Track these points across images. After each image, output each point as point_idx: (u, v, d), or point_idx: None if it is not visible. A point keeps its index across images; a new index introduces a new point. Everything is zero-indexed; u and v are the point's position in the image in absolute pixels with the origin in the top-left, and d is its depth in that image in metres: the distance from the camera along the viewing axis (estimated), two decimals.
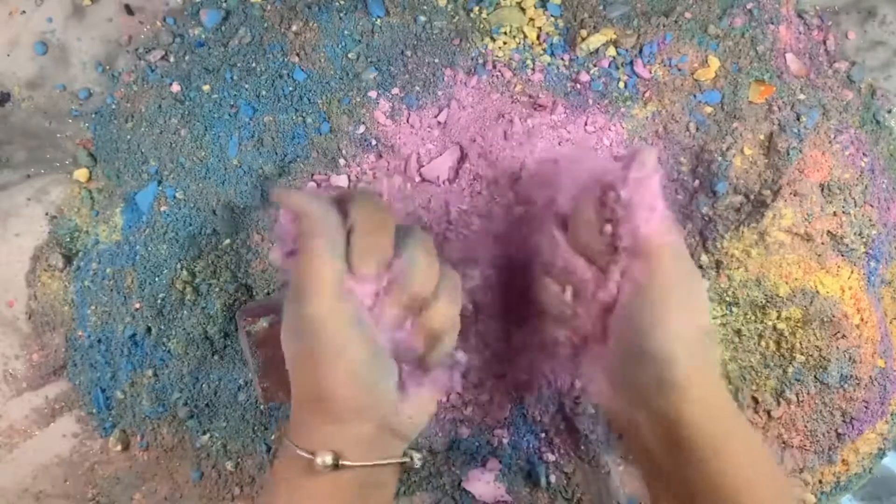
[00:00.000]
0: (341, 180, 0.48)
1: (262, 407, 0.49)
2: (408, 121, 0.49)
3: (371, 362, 0.33)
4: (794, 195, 0.48)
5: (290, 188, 0.35)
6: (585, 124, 0.50)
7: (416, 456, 0.37)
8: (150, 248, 0.50)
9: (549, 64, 0.50)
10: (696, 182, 0.50)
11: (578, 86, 0.50)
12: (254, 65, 0.50)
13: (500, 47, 0.50)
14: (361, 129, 0.50)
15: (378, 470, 0.35)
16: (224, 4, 0.52)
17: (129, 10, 0.53)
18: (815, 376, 0.49)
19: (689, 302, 0.35)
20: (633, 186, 0.37)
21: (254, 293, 0.50)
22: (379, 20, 0.51)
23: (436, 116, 0.49)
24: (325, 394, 0.33)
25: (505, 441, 0.49)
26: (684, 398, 0.34)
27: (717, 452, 0.34)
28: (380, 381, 0.34)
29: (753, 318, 0.49)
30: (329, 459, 0.33)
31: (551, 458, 0.49)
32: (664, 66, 0.50)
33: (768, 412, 0.50)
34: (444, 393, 0.39)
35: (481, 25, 0.51)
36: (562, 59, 0.50)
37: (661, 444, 0.35)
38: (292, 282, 0.34)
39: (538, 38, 0.51)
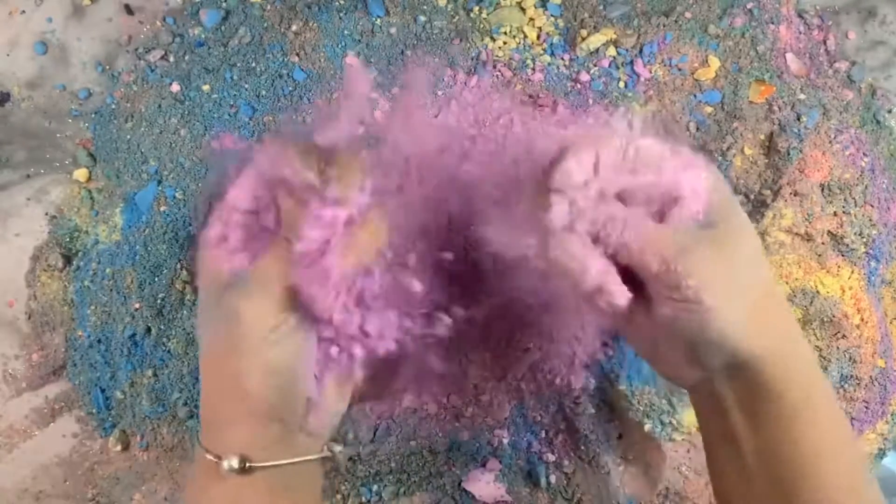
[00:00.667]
0: None
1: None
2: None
3: (297, 372, 0.33)
4: (795, 195, 0.48)
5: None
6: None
7: (338, 449, 0.35)
8: (150, 248, 0.50)
9: (549, 64, 0.50)
10: None
11: (578, 85, 0.50)
12: (254, 65, 0.50)
13: (500, 47, 0.50)
14: (361, 128, 0.50)
15: (293, 470, 0.33)
16: (224, 4, 0.52)
17: (129, 10, 0.53)
18: None
19: (731, 282, 0.31)
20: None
21: None
22: (379, 20, 0.51)
23: (435, 116, 0.49)
24: (238, 392, 0.32)
25: (505, 441, 0.49)
26: (764, 376, 0.31)
27: (800, 425, 0.31)
28: (297, 381, 0.33)
29: None
30: (235, 463, 0.31)
31: (551, 458, 0.49)
32: (664, 65, 0.50)
33: None
34: (353, 382, 0.36)
35: (481, 25, 0.51)
36: (562, 58, 0.50)
37: (738, 409, 0.33)
38: (253, 273, 0.32)
39: (538, 37, 0.51)
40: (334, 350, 0.35)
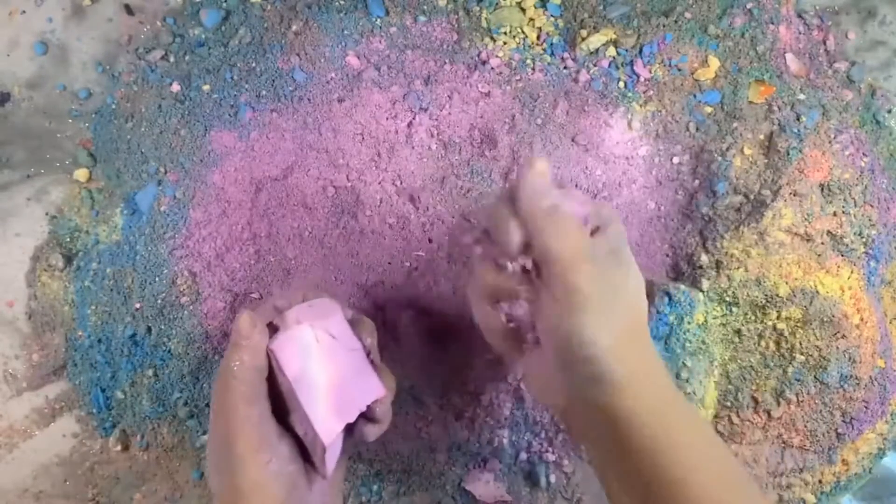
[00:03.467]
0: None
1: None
2: (408, 120, 0.49)
3: (288, 498, 0.36)
4: (794, 195, 0.48)
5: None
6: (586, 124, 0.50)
7: None
8: (150, 248, 0.50)
9: (549, 64, 0.50)
10: (696, 182, 0.50)
11: (578, 86, 0.50)
12: (254, 65, 0.51)
13: (500, 47, 0.50)
14: (360, 128, 0.50)
15: None
16: (224, 4, 0.52)
17: (129, 10, 0.53)
18: (815, 376, 0.49)
19: (611, 305, 0.34)
20: (522, 196, 0.35)
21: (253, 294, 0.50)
22: (379, 20, 0.51)
23: (436, 116, 0.49)
24: None
25: (505, 441, 0.49)
26: (621, 398, 0.34)
27: (659, 446, 0.34)
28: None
29: (753, 318, 0.49)
30: None
31: (551, 458, 0.49)
32: (664, 66, 0.50)
33: (768, 412, 0.50)
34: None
35: (481, 25, 0.51)
36: (562, 58, 0.50)
37: (607, 437, 0.35)
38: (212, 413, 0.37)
39: (538, 37, 0.51)
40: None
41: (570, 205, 0.36)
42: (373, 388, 0.38)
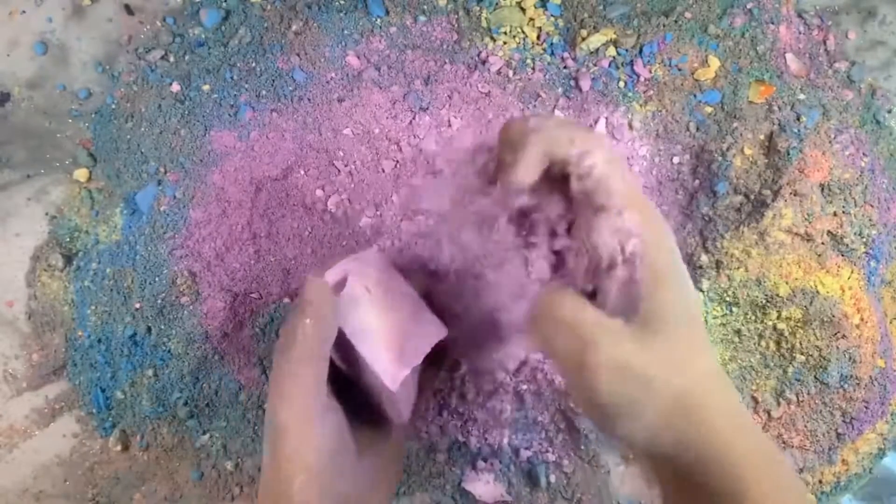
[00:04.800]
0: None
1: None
2: (408, 120, 0.49)
3: (330, 468, 0.34)
4: (794, 195, 0.48)
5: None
6: (586, 124, 0.50)
7: None
8: (150, 248, 0.50)
9: (549, 63, 0.50)
10: (696, 182, 0.50)
11: (578, 85, 0.50)
12: (254, 65, 0.51)
13: (500, 47, 0.50)
14: (360, 128, 0.50)
15: None
16: (224, 4, 0.52)
17: (129, 10, 0.53)
18: (815, 376, 0.49)
19: (647, 388, 0.29)
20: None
21: (253, 294, 0.50)
22: (379, 20, 0.51)
23: (436, 116, 0.49)
24: (280, 491, 0.34)
25: (505, 441, 0.49)
26: (678, 463, 0.31)
27: (741, 497, 0.30)
28: (338, 486, 0.35)
29: (753, 318, 0.49)
30: None
31: (551, 458, 0.49)
32: (664, 65, 0.50)
33: (768, 412, 0.50)
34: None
35: (481, 25, 0.51)
36: (562, 58, 0.50)
37: (673, 484, 0.32)
38: (271, 375, 0.35)
39: (538, 37, 0.51)
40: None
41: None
42: (433, 331, 0.37)
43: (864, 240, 0.49)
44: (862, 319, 0.49)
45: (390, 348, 0.36)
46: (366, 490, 0.37)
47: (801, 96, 0.50)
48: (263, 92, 0.50)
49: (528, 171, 0.30)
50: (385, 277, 0.37)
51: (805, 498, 0.32)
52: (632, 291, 0.29)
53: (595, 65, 0.50)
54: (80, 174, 0.52)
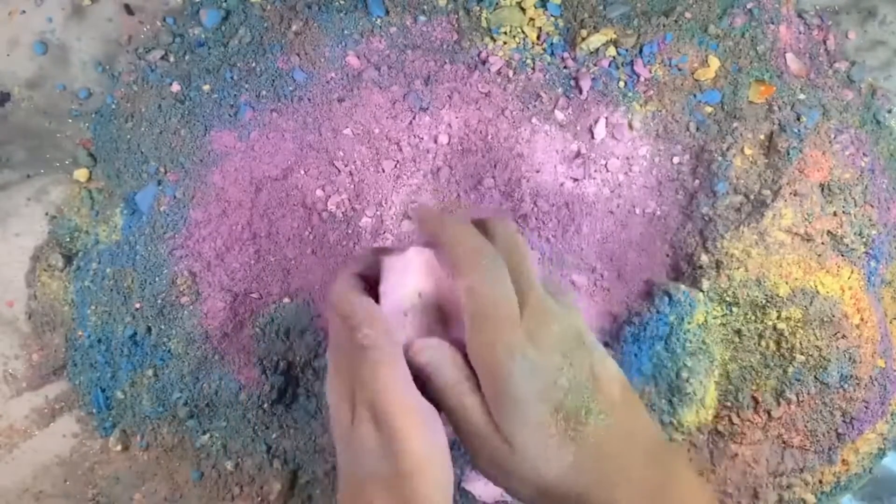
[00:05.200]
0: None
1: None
2: (408, 120, 0.49)
3: (448, 482, 0.32)
4: (794, 195, 0.48)
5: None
6: (586, 124, 0.50)
7: None
8: (150, 248, 0.50)
9: (549, 63, 0.50)
10: (696, 182, 0.50)
11: (578, 85, 0.50)
12: (254, 65, 0.51)
13: (500, 47, 0.50)
14: (360, 128, 0.50)
15: None
16: (224, 4, 0.52)
17: (129, 10, 0.53)
18: (815, 376, 0.49)
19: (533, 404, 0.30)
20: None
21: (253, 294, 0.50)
22: (379, 20, 0.51)
23: (436, 116, 0.49)
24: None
25: None
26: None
27: None
28: (448, 490, 0.33)
29: (753, 318, 0.49)
30: None
31: None
32: (664, 65, 0.50)
33: (768, 412, 0.50)
34: None
35: (481, 25, 0.51)
36: (562, 58, 0.50)
37: None
38: (365, 394, 0.32)
39: (538, 37, 0.51)
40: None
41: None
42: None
43: (864, 240, 0.49)
44: (862, 319, 0.49)
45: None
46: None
47: (801, 96, 0.50)
48: (263, 92, 0.50)
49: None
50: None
51: None
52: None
53: (595, 65, 0.50)
54: (80, 174, 0.52)
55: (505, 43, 0.50)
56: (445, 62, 0.50)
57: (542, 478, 0.31)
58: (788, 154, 0.49)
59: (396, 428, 0.30)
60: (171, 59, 0.52)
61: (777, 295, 0.48)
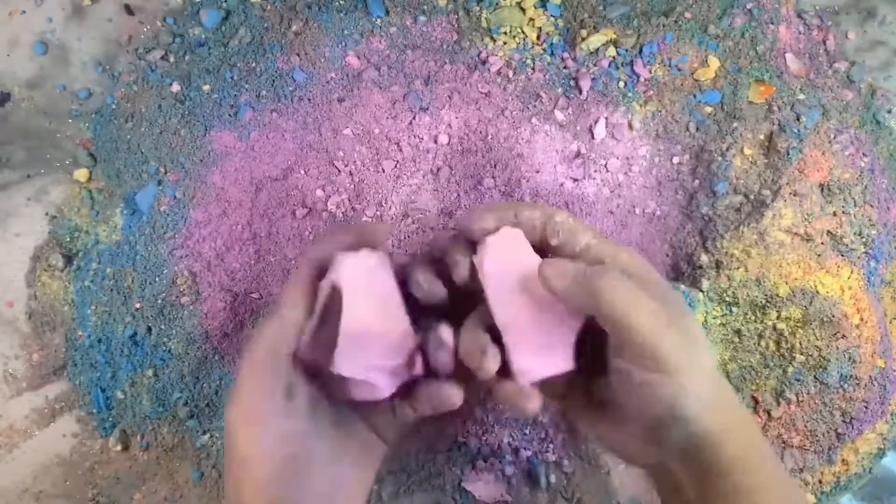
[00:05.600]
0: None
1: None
2: (408, 120, 0.49)
3: (276, 481, 0.34)
4: (794, 195, 0.48)
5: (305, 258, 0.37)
6: (586, 124, 0.50)
7: None
8: (150, 248, 0.50)
9: (549, 64, 0.50)
10: (696, 182, 0.50)
11: (578, 85, 0.50)
12: (254, 65, 0.51)
13: (500, 47, 0.50)
14: (360, 128, 0.50)
15: None
16: (224, 4, 0.52)
17: (129, 10, 0.53)
18: (815, 376, 0.49)
19: (695, 357, 0.32)
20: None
21: (253, 294, 0.50)
22: (379, 20, 0.51)
23: (436, 116, 0.49)
24: (236, 500, 0.34)
25: (505, 441, 0.49)
26: (716, 450, 0.32)
27: (749, 487, 0.32)
28: (283, 500, 0.34)
29: (753, 318, 0.49)
30: None
31: (551, 458, 0.49)
32: (664, 66, 0.50)
33: (768, 412, 0.50)
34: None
35: (481, 25, 0.51)
36: (562, 58, 0.50)
37: (692, 479, 0.33)
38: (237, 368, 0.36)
39: (538, 37, 0.51)
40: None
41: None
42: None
43: (864, 240, 0.49)
44: (862, 319, 0.49)
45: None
46: (331, 496, 0.36)
47: (801, 96, 0.50)
48: (263, 92, 0.50)
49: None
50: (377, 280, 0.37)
51: None
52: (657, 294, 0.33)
53: (595, 65, 0.50)
54: (80, 174, 0.52)
55: (505, 43, 0.50)
56: (445, 62, 0.50)
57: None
58: (788, 154, 0.49)
59: (228, 421, 0.34)
60: (171, 59, 0.52)
61: (777, 295, 0.48)
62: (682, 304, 0.35)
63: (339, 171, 0.49)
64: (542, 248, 0.37)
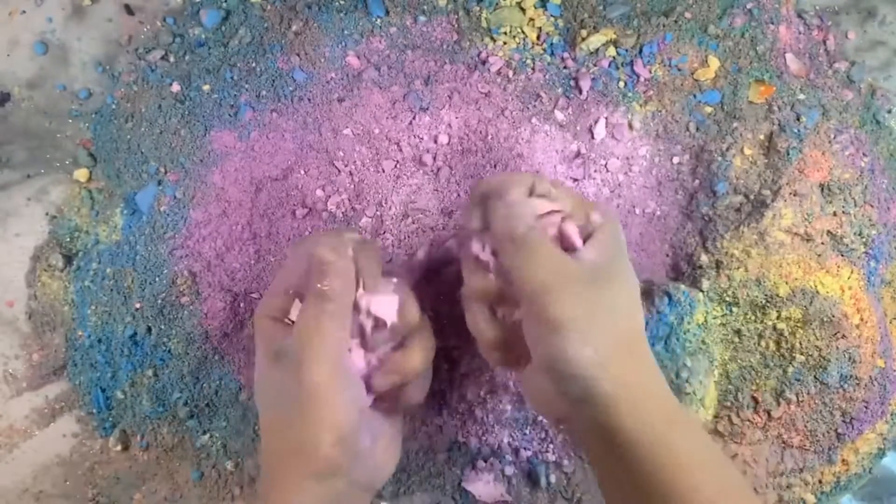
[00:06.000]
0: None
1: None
2: (408, 120, 0.49)
3: (357, 425, 0.35)
4: (794, 195, 0.48)
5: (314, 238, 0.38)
6: (586, 124, 0.50)
7: None
8: (150, 248, 0.50)
9: (549, 64, 0.50)
10: (696, 182, 0.50)
11: (578, 85, 0.50)
12: (254, 65, 0.51)
13: (500, 47, 0.50)
14: (360, 128, 0.50)
15: None
16: (224, 4, 0.52)
17: (129, 10, 0.53)
18: (815, 376, 0.49)
19: (597, 323, 0.33)
20: (494, 223, 0.36)
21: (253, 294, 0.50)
22: (379, 20, 0.51)
23: (436, 116, 0.49)
24: (307, 450, 0.34)
25: (505, 441, 0.49)
26: (616, 414, 0.33)
27: (660, 462, 0.32)
28: (361, 441, 0.35)
29: (753, 318, 0.49)
30: None
31: (551, 458, 0.49)
32: (664, 66, 0.50)
33: (768, 412, 0.50)
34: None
35: (481, 25, 0.51)
36: (562, 58, 0.50)
37: (605, 452, 0.34)
38: (295, 336, 0.35)
39: (538, 37, 0.51)
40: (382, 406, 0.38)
41: (549, 221, 0.35)
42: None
43: (864, 240, 0.49)
44: (862, 319, 0.49)
45: None
46: (380, 450, 0.38)
47: (801, 96, 0.50)
48: (263, 92, 0.50)
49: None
50: None
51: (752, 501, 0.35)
52: (594, 253, 0.36)
53: (595, 65, 0.50)
54: (80, 174, 0.52)
55: (505, 43, 0.50)
56: (445, 62, 0.50)
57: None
58: (788, 154, 0.49)
59: (303, 364, 0.34)
60: (171, 59, 0.52)
61: (777, 295, 0.48)
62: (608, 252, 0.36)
63: (339, 171, 0.49)
64: None
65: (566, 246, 0.36)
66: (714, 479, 0.33)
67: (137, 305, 0.50)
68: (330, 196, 0.49)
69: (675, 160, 0.50)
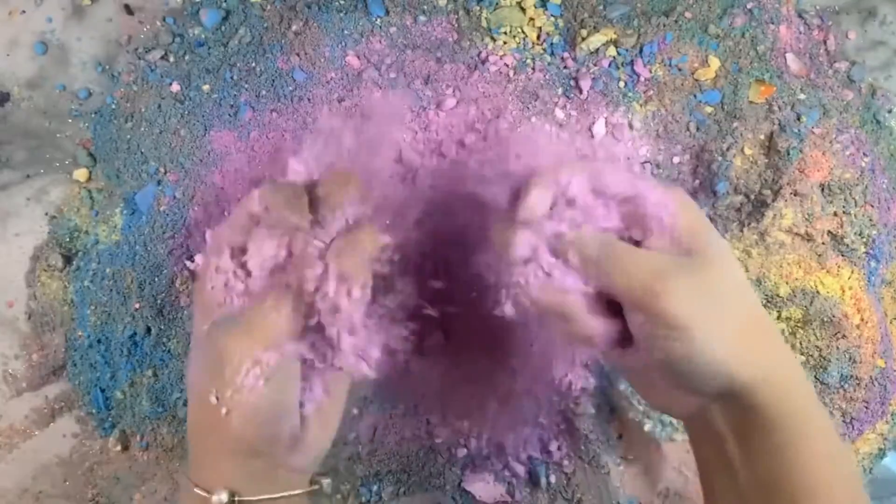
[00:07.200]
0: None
1: None
2: (408, 120, 0.49)
3: (275, 402, 0.33)
4: (795, 195, 0.48)
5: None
6: (586, 124, 0.50)
7: (325, 482, 0.37)
8: (150, 248, 0.50)
9: (549, 63, 0.50)
10: (696, 182, 0.50)
11: (578, 85, 0.50)
12: (254, 65, 0.50)
13: (500, 47, 0.50)
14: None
15: (282, 503, 0.34)
16: (224, 4, 0.52)
17: (128, 10, 0.53)
18: (815, 376, 0.49)
19: (717, 312, 0.31)
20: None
21: None
22: (379, 20, 0.51)
23: (436, 116, 0.49)
24: (220, 427, 0.32)
25: (505, 441, 0.49)
26: (757, 401, 0.31)
27: (793, 453, 0.31)
28: (280, 421, 0.33)
29: None
30: (224, 497, 0.32)
31: (551, 458, 0.49)
32: (664, 65, 0.50)
33: None
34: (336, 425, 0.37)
35: (481, 25, 0.51)
36: (562, 58, 0.50)
37: (733, 439, 0.33)
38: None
39: (538, 37, 0.51)
40: (318, 387, 0.35)
41: (612, 226, 0.32)
42: None
43: (865, 240, 0.49)
44: (862, 319, 0.49)
45: None
46: (311, 429, 0.35)
47: (802, 96, 0.50)
48: (263, 92, 0.50)
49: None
50: None
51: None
52: (683, 241, 0.32)
53: (595, 65, 0.50)
54: (80, 174, 0.52)
55: (505, 43, 0.50)
56: (445, 62, 0.50)
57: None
58: (788, 154, 0.49)
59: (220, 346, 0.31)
60: (171, 59, 0.52)
61: (777, 295, 0.48)
62: (702, 241, 0.32)
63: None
64: None
65: (645, 243, 0.33)
66: (842, 480, 0.32)
67: (137, 305, 0.50)
68: None
69: (676, 160, 0.50)
